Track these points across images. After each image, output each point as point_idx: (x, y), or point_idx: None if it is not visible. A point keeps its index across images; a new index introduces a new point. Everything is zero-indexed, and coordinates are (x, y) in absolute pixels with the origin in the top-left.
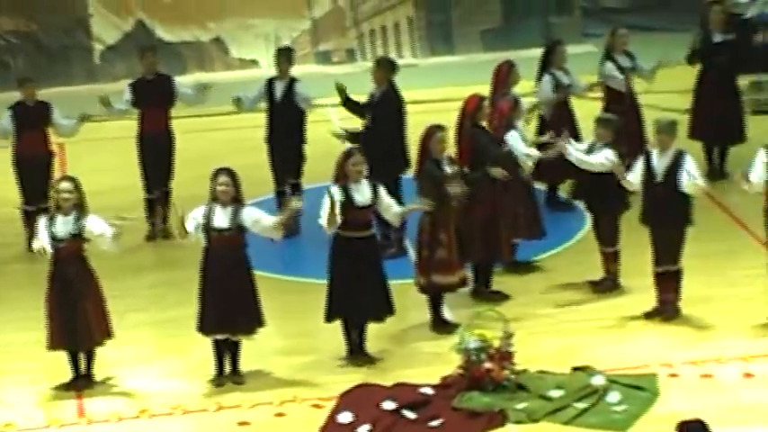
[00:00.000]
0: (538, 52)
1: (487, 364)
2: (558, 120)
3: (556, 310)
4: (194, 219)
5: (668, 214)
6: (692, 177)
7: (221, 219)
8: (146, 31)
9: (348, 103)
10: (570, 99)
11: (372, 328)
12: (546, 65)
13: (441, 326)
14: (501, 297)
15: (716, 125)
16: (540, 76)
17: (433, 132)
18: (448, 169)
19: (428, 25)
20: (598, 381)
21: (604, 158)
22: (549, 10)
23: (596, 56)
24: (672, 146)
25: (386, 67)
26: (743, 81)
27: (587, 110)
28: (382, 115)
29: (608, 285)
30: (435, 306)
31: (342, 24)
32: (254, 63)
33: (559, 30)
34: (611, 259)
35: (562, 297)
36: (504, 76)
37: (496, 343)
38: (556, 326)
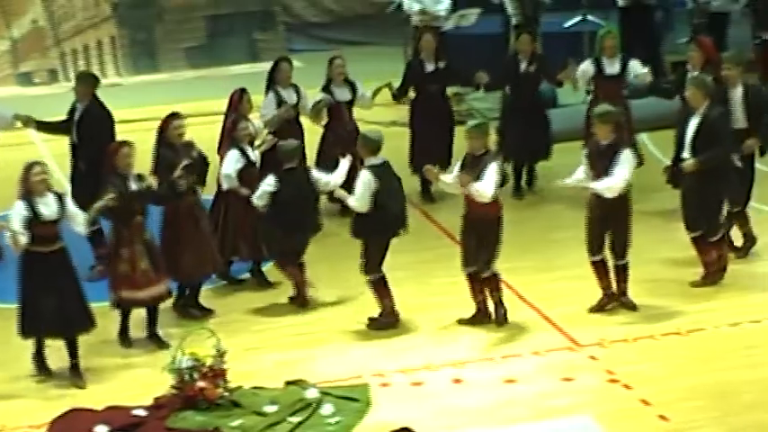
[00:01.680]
0: (243, 68)
1: (200, 383)
2: (287, 137)
3: (269, 324)
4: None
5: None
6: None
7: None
8: None
9: (42, 126)
10: (299, 117)
11: (85, 348)
12: (270, 82)
13: (125, 341)
14: (207, 313)
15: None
16: (266, 94)
17: (119, 148)
18: (134, 185)
19: (132, 43)
20: (312, 394)
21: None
22: (253, 27)
23: (304, 71)
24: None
25: (87, 82)
26: None
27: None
28: (89, 131)
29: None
30: (124, 320)
31: (42, 44)
32: None
33: (264, 46)
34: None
35: (275, 311)
36: (236, 103)
37: (209, 361)
38: (269, 341)
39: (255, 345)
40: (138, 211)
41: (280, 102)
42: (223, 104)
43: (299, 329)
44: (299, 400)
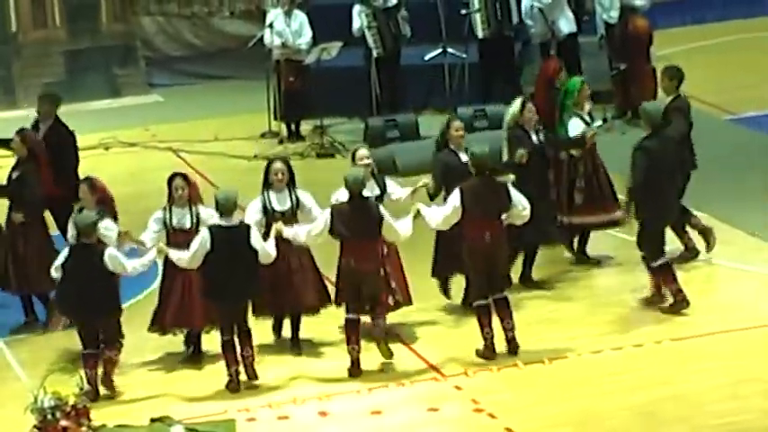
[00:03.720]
0: (104, 104)
1: (63, 422)
2: None
3: (139, 361)
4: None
5: None
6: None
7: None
8: None
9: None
10: None
11: None
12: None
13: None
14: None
15: None
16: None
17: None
18: None
19: None
20: (177, 431)
21: None
22: (113, 62)
23: (164, 105)
24: None
25: (50, 101)
26: (305, 126)
27: None
28: (55, 148)
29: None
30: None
31: None
32: None
33: (125, 81)
34: None
35: (142, 348)
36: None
37: (72, 400)
38: (138, 377)
39: (125, 382)
40: None
41: (265, 208)
42: (84, 140)
43: (161, 365)
44: None
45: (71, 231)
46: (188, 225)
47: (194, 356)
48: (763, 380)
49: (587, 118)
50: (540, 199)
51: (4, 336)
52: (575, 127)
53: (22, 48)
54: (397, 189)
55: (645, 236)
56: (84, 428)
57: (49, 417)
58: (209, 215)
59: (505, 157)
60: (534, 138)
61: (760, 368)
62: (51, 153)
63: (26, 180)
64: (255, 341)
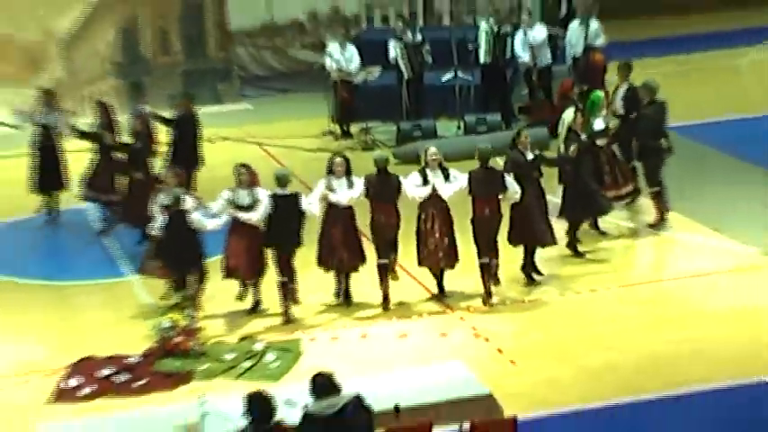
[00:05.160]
0: (208, 110)
1: (177, 339)
2: None
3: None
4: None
5: None
6: None
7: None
8: None
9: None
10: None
11: None
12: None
13: None
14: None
15: None
16: None
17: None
18: None
19: (130, 90)
20: (258, 346)
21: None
22: (216, 79)
23: (253, 111)
24: None
25: (186, 97)
26: (354, 128)
27: None
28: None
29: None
30: None
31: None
32: None
33: (224, 92)
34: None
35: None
36: None
37: (183, 322)
38: (220, 315)
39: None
40: None
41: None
42: None
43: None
44: (249, 351)
45: (161, 203)
46: (247, 202)
47: (256, 308)
48: (682, 317)
49: (604, 118)
50: (591, 181)
51: (135, 269)
52: (598, 124)
53: (152, 69)
54: (458, 176)
55: (651, 170)
56: (191, 343)
57: (166, 335)
58: (265, 195)
59: (563, 152)
60: (583, 137)
61: (677, 310)
62: (179, 133)
63: (142, 149)
64: (313, 287)
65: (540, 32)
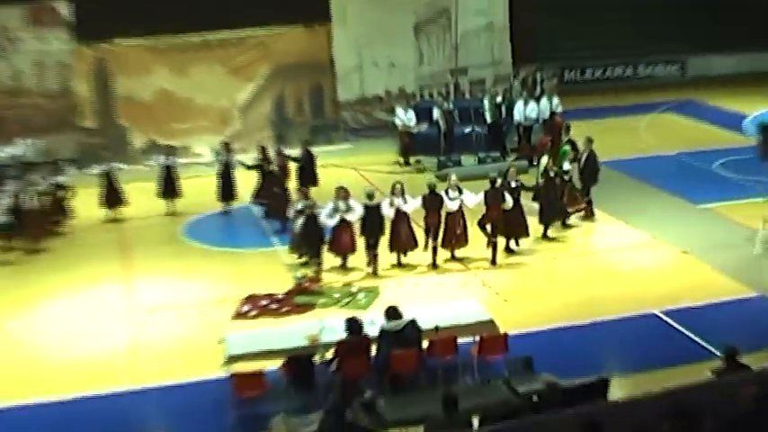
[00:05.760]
0: (323, 148)
1: (307, 284)
2: None
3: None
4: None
5: None
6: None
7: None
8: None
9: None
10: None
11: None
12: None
13: None
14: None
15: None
16: None
17: None
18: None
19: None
20: (353, 289)
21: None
22: (329, 130)
23: (352, 150)
24: None
25: (306, 143)
26: (412, 159)
27: None
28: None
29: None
30: None
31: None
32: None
33: (334, 137)
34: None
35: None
36: None
37: (310, 274)
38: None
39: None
40: None
41: (391, 203)
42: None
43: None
44: (348, 292)
45: (296, 208)
46: (343, 209)
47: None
48: (606, 273)
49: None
50: (555, 200)
51: (282, 244)
52: (566, 166)
53: (292, 124)
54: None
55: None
56: (315, 286)
57: (300, 281)
58: (355, 204)
59: (540, 183)
60: (551, 174)
61: (603, 269)
62: (303, 164)
63: (281, 174)
64: (386, 259)
65: (531, 107)
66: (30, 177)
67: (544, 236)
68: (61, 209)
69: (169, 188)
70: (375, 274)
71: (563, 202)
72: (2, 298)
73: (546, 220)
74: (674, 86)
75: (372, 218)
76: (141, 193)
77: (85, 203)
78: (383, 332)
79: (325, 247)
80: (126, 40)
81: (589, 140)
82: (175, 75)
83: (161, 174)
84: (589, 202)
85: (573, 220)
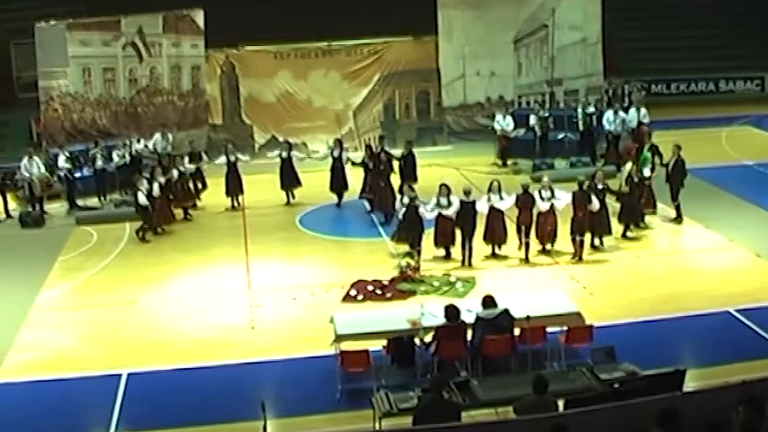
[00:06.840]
0: (427, 149)
1: (409, 272)
2: None
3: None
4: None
5: None
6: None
7: None
8: None
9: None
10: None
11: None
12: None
13: None
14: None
15: None
16: None
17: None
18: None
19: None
20: (452, 278)
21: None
22: (433, 134)
23: (452, 151)
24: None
25: (409, 143)
26: (509, 161)
27: None
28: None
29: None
30: None
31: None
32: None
33: (437, 138)
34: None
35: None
36: None
37: (412, 263)
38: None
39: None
40: None
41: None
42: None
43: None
44: (447, 281)
45: (402, 201)
46: (445, 204)
47: (448, 257)
48: (685, 271)
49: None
50: (637, 202)
51: (387, 234)
52: (646, 172)
53: (400, 126)
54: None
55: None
56: (417, 275)
57: (404, 270)
58: (455, 199)
59: (623, 187)
60: (636, 179)
61: (683, 267)
62: (404, 162)
63: (385, 170)
64: (480, 251)
65: (620, 117)
66: (165, 166)
67: (623, 235)
68: (191, 196)
69: (288, 178)
70: (470, 265)
71: (641, 204)
72: (138, 274)
73: (625, 221)
74: (753, 101)
75: (466, 212)
76: (262, 185)
77: (212, 192)
78: (479, 319)
79: (424, 237)
80: (252, 46)
81: (677, 147)
82: (296, 78)
83: (281, 166)
84: (678, 207)
85: (655, 221)
